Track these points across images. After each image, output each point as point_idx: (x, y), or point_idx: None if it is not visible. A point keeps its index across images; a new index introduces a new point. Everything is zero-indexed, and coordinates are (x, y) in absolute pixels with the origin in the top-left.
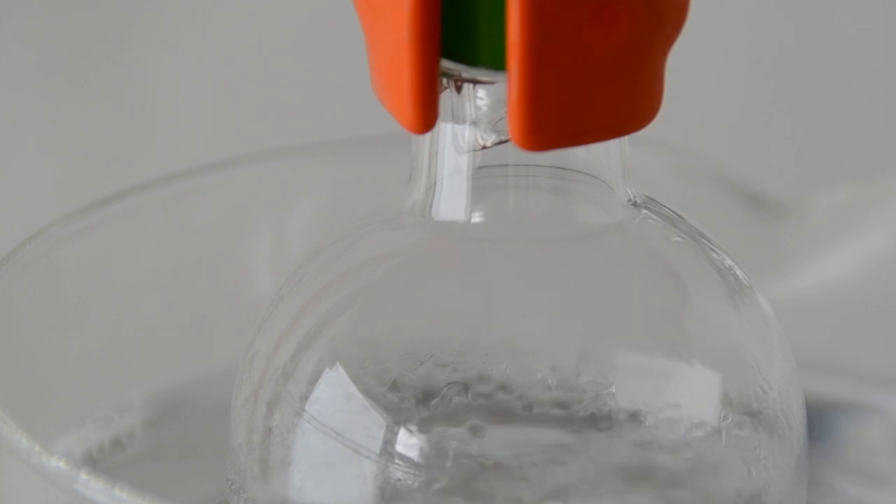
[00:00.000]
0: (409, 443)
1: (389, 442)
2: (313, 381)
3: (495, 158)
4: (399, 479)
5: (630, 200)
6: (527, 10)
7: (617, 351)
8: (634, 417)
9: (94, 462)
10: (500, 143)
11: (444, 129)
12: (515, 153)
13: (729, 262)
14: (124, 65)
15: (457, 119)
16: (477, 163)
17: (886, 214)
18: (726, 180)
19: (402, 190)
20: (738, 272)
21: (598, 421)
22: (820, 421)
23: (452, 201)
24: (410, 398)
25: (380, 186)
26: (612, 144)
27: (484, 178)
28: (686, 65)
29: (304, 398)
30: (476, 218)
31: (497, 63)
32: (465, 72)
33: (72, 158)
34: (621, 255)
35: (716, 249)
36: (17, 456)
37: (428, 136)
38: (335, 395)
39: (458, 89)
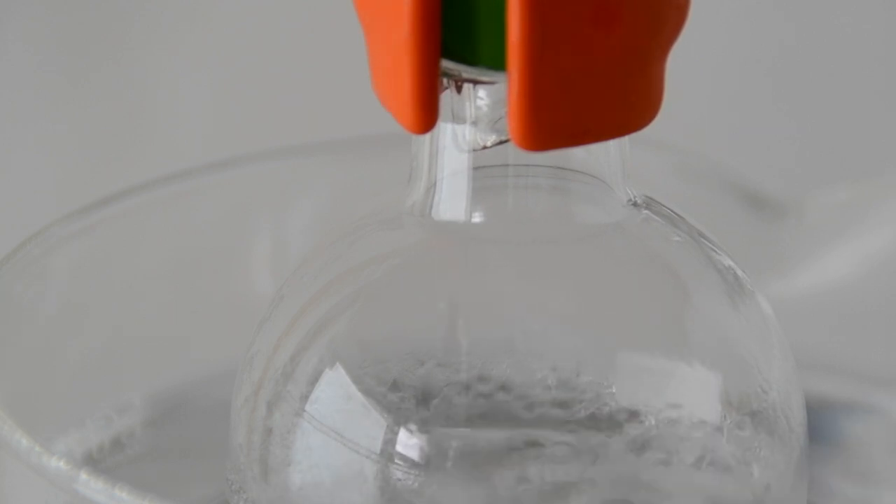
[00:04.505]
0: (409, 443)
1: (389, 442)
2: (313, 381)
3: (495, 158)
4: (399, 479)
5: (630, 200)
6: (527, 10)
7: (617, 351)
8: (634, 417)
9: (94, 462)
10: (500, 143)
11: (444, 129)
12: (515, 153)
13: (729, 262)
14: (124, 65)
15: (457, 119)
16: (477, 163)
17: (886, 214)
18: (726, 180)
19: (402, 190)
20: (738, 272)
21: (598, 421)
22: (820, 421)
23: (452, 201)
24: (410, 398)
25: (380, 186)
26: (612, 144)
27: (484, 178)
28: (686, 65)
29: (304, 398)
30: (476, 218)
31: (497, 63)
32: (465, 72)
33: (72, 158)
34: (621, 255)
35: (716, 249)
36: (17, 456)
37: (428, 136)
38: (335, 395)
39: (458, 89)
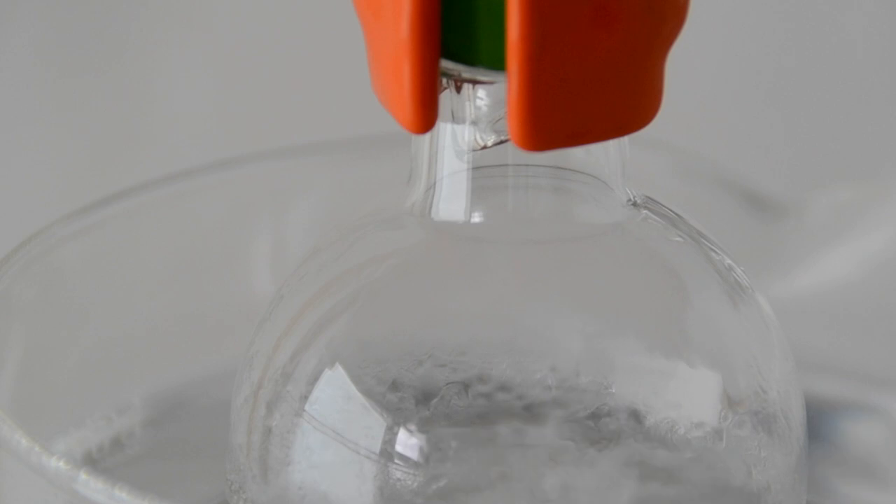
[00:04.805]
0: (408, 443)
1: (389, 442)
2: (313, 381)
3: (495, 158)
4: (399, 479)
5: (630, 200)
6: (527, 10)
7: (617, 351)
8: (634, 417)
9: (94, 462)
10: (500, 143)
11: (444, 129)
12: (515, 153)
13: (729, 262)
14: (124, 65)
15: (457, 119)
16: (476, 163)
17: (886, 214)
18: (726, 180)
19: (402, 190)
20: (738, 272)
21: (598, 421)
22: (820, 421)
23: (452, 201)
24: (410, 398)
25: (380, 186)
26: (612, 144)
27: (484, 178)
28: (686, 65)
29: (304, 398)
30: (476, 218)
31: (497, 63)
32: (465, 72)
33: (72, 158)
34: (621, 255)
35: (716, 249)
36: (17, 456)
37: (428, 136)
38: (335, 395)
39: (458, 89)
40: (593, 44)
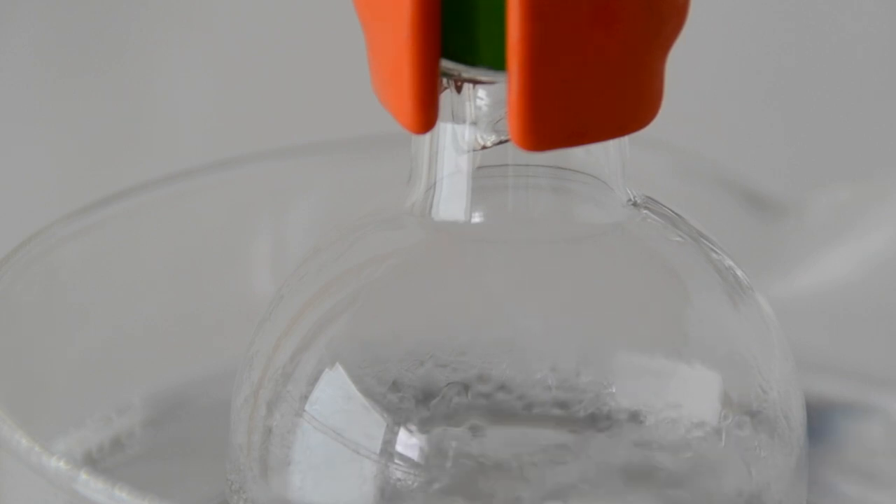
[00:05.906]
0: (409, 443)
1: (389, 442)
2: (313, 381)
3: (495, 158)
4: (399, 479)
5: (630, 200)
6: (527, 11)
7: (617, 351)
8: (634, 417)
9: (94, 462)
10: (500, 143)
11: (444, 129)
12: (515, 153)
13: (729, 262)
14: (124, 65)
15: (457, 119)
16: (477, 163)
17: (886, 214)
18: (726, 180)
19: (402, 190)
20: (738, 272)
21: (598, 421)
22: (820, 421)
23: (452, 201)
24: (410, 398)
25: (380, 186)
26: (612, 144)
27: (484, 178)
28: (686, 65)
29: (304, 398)
30: (476, 218)
31: (497, 63)
32: (465, 72)
33: (72, 158)
34: (621, 255)
35: (716, 249)
36: (17, 456)
37: (428, 136)
38: (335, 395)
39: (458, 89)
40: (593, 44)
